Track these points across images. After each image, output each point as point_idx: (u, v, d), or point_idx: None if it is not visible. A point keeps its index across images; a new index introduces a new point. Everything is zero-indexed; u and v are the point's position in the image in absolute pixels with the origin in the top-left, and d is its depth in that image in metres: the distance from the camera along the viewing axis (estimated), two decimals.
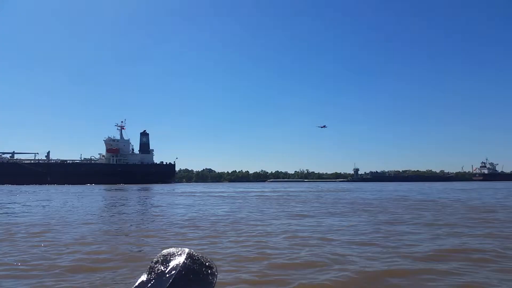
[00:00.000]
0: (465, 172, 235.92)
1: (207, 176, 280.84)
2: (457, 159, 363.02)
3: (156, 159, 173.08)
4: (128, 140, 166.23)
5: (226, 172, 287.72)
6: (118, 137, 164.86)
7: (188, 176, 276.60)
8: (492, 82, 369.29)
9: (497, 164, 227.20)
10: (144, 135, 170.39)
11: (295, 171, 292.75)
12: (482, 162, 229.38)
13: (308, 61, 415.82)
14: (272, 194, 48.09)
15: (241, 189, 69.82)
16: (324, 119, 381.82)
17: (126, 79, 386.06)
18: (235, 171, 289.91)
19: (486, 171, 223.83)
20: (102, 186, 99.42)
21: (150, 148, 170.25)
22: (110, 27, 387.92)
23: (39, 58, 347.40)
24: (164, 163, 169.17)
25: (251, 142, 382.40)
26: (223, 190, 66.78)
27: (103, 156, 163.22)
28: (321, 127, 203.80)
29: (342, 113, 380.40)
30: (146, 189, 72.07)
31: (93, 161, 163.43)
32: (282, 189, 70.37)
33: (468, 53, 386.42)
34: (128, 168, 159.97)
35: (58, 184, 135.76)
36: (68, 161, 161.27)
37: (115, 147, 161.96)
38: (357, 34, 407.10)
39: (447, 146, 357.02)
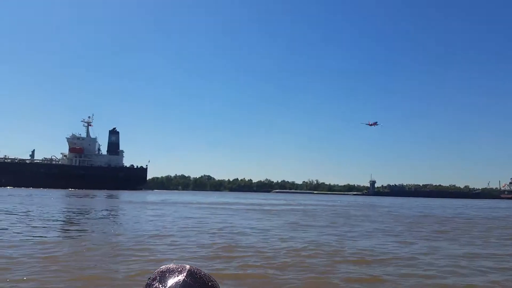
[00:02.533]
0: (491, 188, 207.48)
1: (206, 184, 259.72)
2: (484, 173, 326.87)
3: (136, 162, 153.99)
4: (95, 138, 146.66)
5: (227, 180, 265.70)
6: (84, 134, 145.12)
7: (185, 183, 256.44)
8: None
9: None
10: (114, 133, 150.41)
11: (303, 182, 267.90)
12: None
13: (318, 57, 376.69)
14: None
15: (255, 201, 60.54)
16: (339, 122, 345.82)
17: (99, 68, 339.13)
18: (237, 179, 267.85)
19: None
20: (60, 191, 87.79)
21: (120, 148, 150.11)
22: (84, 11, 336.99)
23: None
24: (135, 166, 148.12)
25: (254, 147, 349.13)
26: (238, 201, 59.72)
27: (65, 156, 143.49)
28: (370, 125, 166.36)
29: (357, 117, 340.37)
30: (114, 197, 64.48)
31: (53, 162, 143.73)
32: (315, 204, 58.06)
33: (502, 59, 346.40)
34: (92, 170, 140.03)
35: (13, 186, 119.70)
36: (27, 161, 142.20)
37: (79, 146, 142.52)
38: (375, 30, 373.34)
39: (472, 158, 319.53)
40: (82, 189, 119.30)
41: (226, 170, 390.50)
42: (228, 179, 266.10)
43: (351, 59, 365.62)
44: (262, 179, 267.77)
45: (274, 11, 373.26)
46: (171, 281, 1.29)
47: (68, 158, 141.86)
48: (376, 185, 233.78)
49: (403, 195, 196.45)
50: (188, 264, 1.38)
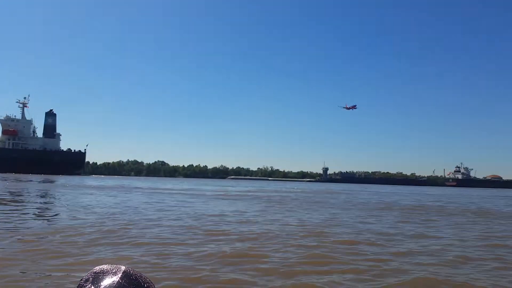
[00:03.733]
0: (437, 176, 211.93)
1: (160, 170, 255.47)
2: (430, 161, 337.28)
3: (79, 147, 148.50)
4: (30, 120, 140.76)
5: (181, 166, 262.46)
6: (19, 116, 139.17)
7: (138, 169, 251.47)
8: (475, 82, 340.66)
9: (472, 169, 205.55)
10: (50, 115, 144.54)
11: (258, 168, 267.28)
12: (457, 167, 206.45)
13: (278, 44, 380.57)
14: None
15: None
16: (292, 111, 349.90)
17: (39, 45, 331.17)
18: (192, 165, 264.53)
19: (460, 176, 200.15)
20: None
21: (57, 131, 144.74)
22: None
23: None
24: (73, 150, 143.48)
25: (209, 133, 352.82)
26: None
27: None
28: (348, 108, 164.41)
29: (312, 106, 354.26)
30: (49, 182, 61.77)
31: None
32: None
33: (445, 48, 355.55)
34: (25, 154, 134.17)
35: None
36: None
37: (13, 128, 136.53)
38: (343, 29, 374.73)
39: (419, 147, 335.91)
40: (14, 173, 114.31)
41: (180, 156, 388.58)
42: (183, 165, 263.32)
43: (311, 47, 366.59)
44: (217, 165, 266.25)
45: None
46: (105, 283, 1.21)
47: (0, 141, 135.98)
48: (328, 172, 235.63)
49: (354, 182, 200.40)
50: (123, 266, 1.26)
